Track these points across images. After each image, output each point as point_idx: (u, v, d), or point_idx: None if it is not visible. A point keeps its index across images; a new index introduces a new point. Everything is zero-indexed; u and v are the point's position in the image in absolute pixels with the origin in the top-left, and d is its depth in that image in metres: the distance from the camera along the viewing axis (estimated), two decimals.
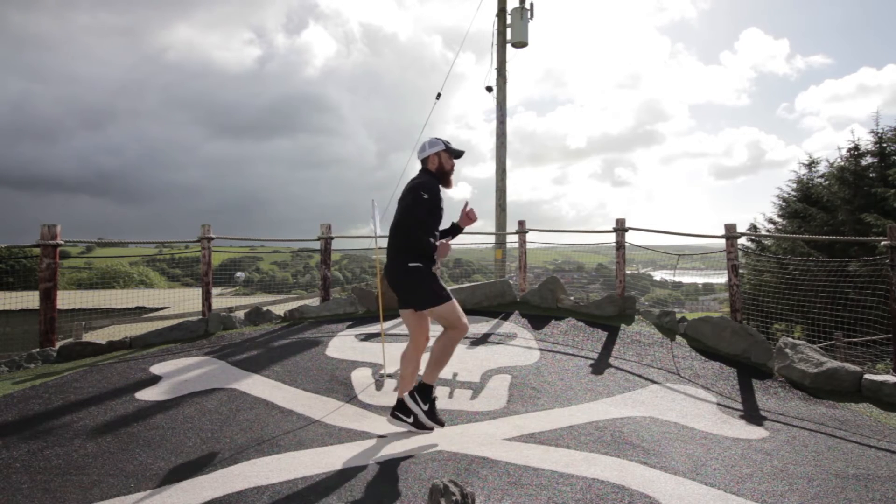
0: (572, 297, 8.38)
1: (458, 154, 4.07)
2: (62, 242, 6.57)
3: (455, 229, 4.18)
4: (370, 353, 5.84)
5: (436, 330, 4.05)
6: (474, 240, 13.59)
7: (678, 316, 7.28)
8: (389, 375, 5.21)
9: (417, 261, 3.84)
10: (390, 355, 5.74)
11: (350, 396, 4.72)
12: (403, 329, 7.03)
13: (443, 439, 3.77)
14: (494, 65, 11.97)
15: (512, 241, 10.51)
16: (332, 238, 8.84)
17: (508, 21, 12.02)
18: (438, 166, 4.03)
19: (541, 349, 6.19)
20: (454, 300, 3.93)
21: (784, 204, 15.24)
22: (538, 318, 7.49)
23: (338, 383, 5.02)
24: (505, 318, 7.49)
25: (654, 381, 5.31)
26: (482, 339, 6.54)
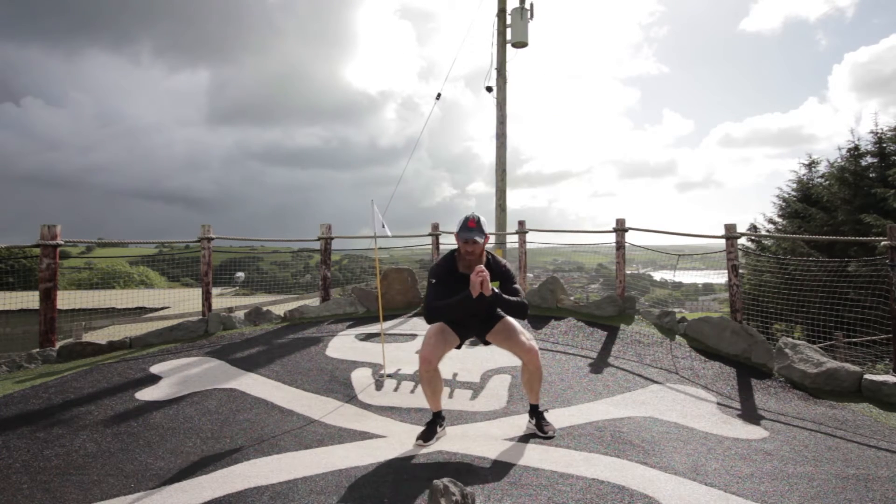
0: (572, 297, 8.38)
1: (463, 237, 3.69)
2: (62, 242, 6.57)
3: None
4: (370, 354, 5.83)
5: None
6: None
7: (678, 316, 7.28)
8: (389, 375, 5.21)
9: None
10: (390, 355, 5.74)
11: (350, 396, 4.72)
12: (403, 329, 7.04)
13: (443, 439, 3.78)
14: (494, 65, 11.97)
15: (512, 241, 10.52)
16: (332, 238, 8.84)
17: (508, 21, 12.02)
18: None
19: (541, 349, 6.18)
20: (434, 328, 3.84)
21: (784, 204, 15.23)
22: (538, 318, 7.49)
23: (338, 383, 5.02)
24: None
25: (654, 381, 5.31)
26: None
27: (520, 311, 3.76)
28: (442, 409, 3.92)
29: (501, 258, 3.92)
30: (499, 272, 3.81)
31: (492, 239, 11.46)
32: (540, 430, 3.88)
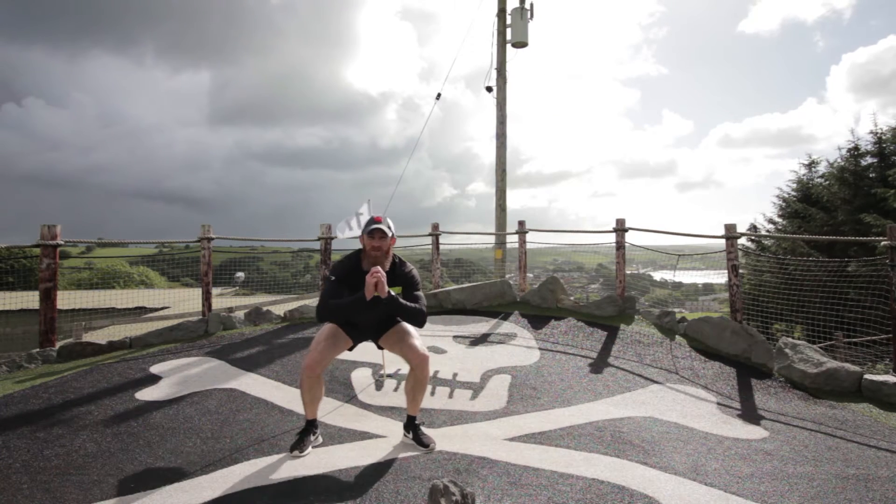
0: (572, 297, 8.38)
1: (368, 230, 3.61)
2: (62, 242, 6.57)
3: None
4: (370, 354, 5.82)
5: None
6: (474, 240, 13.60)
7: (678, 316, 7.28)
8: (389, 376, 5.21)
9: None
10: (390, 356, 5.73)
11: (350, 396, 4.72)
12: None
13: (443, 439, 3.77)
14: (494, 65, 11.97)
15: (512, 241, 10.52)
16: (332, 238, 8.84)
17: (508, 21, 12.02)
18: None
19: (541, 349, 6.19)
20: (328, 325, 3.71)
21: (784, 204, 15.24)
22: (538, 318, 7.49)
23: (338, 383, 5.02)
24: (505, 318, 7.49)
25: (654, 381, 5.31)
26: (482, 339, 6.54)
27: (416, 318, 3.60)
28: (317, 418, 3.72)
29: (409, 264, 3.76)
30: (402, 277, 3.67)
31: (491, 239, 11.46)
32: (420, 444, 3.64)
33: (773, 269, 9.25)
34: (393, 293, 3.51)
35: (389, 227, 3.63)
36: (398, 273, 3.68)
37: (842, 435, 4.23)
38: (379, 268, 3.47)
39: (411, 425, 3.76)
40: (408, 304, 3.57)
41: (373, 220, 3.62)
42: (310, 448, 3.62)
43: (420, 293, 3.70)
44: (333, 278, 3.62)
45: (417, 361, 3.63)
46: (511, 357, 5.85)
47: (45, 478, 3.26)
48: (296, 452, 3.52)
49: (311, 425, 3.69)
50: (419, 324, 3.66)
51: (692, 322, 6.86)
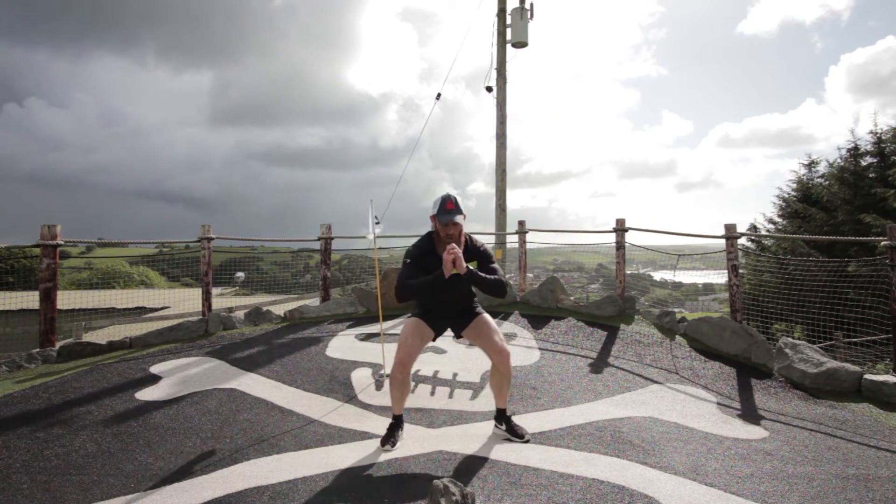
0: (572, 297, 8.38)
1: (443, 221, 3.64)
2: (62, 242, 6.57)
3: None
4: (370, 354, 5.84)
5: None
6: None
7: (678, 316, 7.28)
8: (389, 376, 5.21)
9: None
10: (390, 355, 5.73)
11: (350, 396, 4.72)
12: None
13: (443, 439, 3.78)
14: (494, 65, 11.97)
15: (512, 241, 10.52)
16: (332, 238, 8.84)
17: (508, 21, 12.02)
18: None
19: (541, 349, 6.19)
20: (410, 321, 3.81)
21: (784, 204, 15.24)
22: (538, 318, 7.49)
23: (338, 383, 5.02)
24: (505, 318, 7.49)
25: (654, 381, 5.31)
26: None
27: (497, 289, 3.66)
28: (402, 413, 3.82)
29: (480, 240, 3.85)
30: (476, 252, 3.74)
31: (491, 239, 11.46)
32: (514, 435, 3.77)
33: (773, 269, 9.25)
34: (471, 268, 3.57)
35: (461, 210, 3.67)
36: (471, 249, 3.75)
37: (842, 435, 4.22)
38: (454, 245, 3.52)
39: (502, 417, 3.87)
40: (487, 276, 3.63)
41: (446, 210, 3.62)
42: (399, 442, 3.70)
43: (496, 266, 3.79)
44: (409, 261, 3.69)
45: (498, 358, 3.74)
46: (511, 357, 5.85)
47: (45, 478, 3.26)
48: (387, 447, 3.61)
49: (398, 420, 3.79)
50: (501, 294, 3.71)
51: (692, 322, 6.86)
